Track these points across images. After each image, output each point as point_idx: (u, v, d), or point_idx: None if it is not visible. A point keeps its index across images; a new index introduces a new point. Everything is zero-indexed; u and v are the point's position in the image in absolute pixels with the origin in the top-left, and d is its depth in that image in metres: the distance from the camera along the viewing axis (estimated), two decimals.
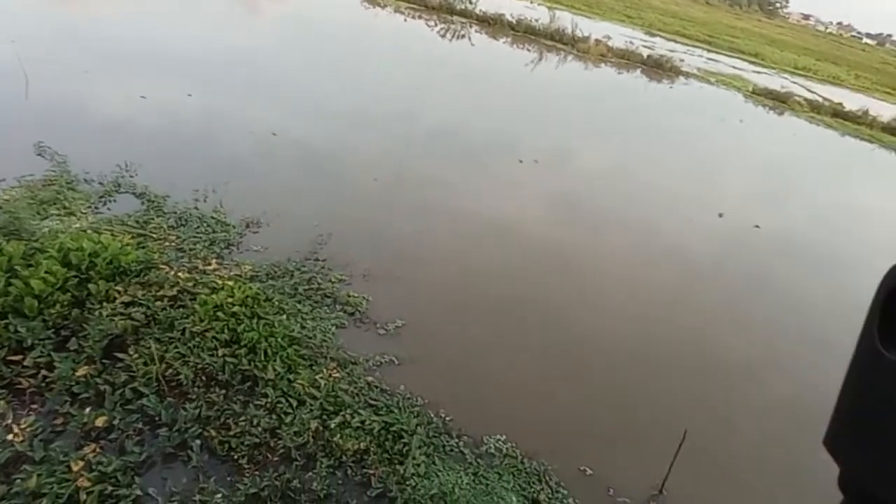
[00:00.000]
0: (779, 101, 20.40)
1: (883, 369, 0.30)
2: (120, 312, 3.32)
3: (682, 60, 21.60)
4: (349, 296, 4.51)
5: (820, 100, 21.75)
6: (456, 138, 9.10)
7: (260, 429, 3.20)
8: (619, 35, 24.23)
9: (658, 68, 20.32)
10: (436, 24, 19.31)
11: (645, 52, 21.03)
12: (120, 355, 3.14)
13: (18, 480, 2.56)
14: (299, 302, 4.25)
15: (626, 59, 20.57)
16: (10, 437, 2.73)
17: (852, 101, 23.16)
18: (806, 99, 21.16)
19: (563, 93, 15.04)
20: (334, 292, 4.51)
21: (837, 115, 20.39)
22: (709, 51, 29.22)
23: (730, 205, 9.26)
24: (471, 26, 20.24)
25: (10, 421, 2.81)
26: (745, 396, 4.87)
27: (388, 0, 20.39)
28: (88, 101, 7.12)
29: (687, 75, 20.79)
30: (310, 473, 3.16)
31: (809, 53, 39.59)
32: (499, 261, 5.84)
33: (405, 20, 19.27)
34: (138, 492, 2.75)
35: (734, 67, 25.68)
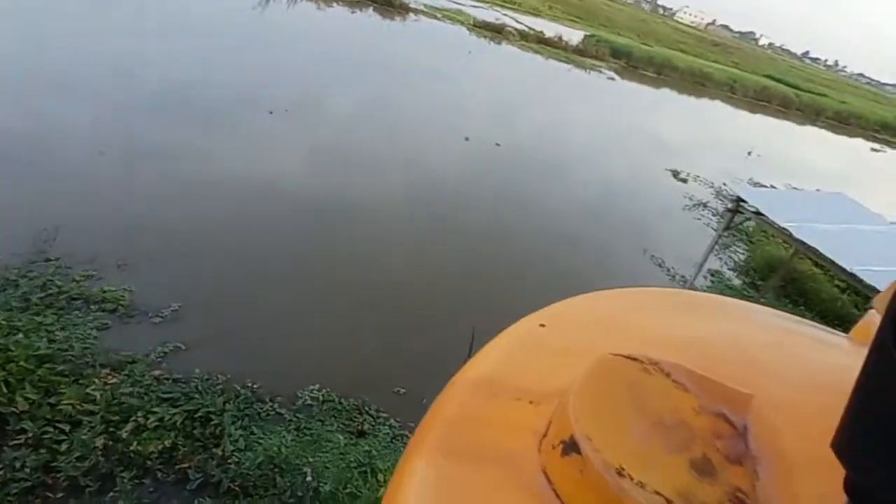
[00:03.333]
0: (496, 31, 22.95)
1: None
2: None
3: None
4: (104, 291, 3.89)
5: (527, 29, 25.10)
6: (192, 95, 8.12)
7: (27, 470, 2.68)
8: None
9: (388, 6, 20.82)
10: None
11: None
12: None
13: None
14: (36, 314, 3.51)
15: None
16: None
17: (550, 28, 27.30)
18: (517, 29, 24.21)
19: (300, 35, 14.45)
20: (83, 292, 3.83)
21: (541, 42, 23.92)
22: None
23: (473, 129, 10.36)
24: None
25: None
26: (511, 287, 5.76)
27: None
28: None
29: (416, 12, 21.78)
30: (110, 495, 2.80)
31: None
32: (268, 222, 5.61)
33: None
34: None
35: (455, 2, 27.74)
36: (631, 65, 26.56)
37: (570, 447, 0.48)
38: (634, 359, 0.55)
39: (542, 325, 0.75)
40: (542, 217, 7.82)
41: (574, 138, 12.78)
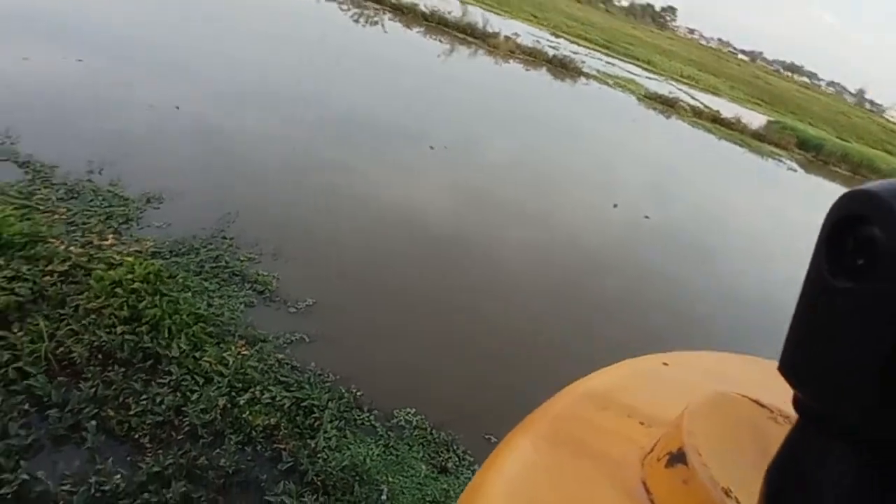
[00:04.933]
0: (667, 105, 22.34)
1: (831, 296, 0.32)
2: (1, 287, 3.06)
3: (583, 62, 22.90)
4: (258, 274, 4.44)
5: (701, 106, 24.08)
6: (366, 124, 9.10)
7: (163, 407, 3.11)
8: (527, 34, 25.16)
9: (562, 68, 21.42)
10: (349, 9, 18.93)
11: (550, 52, 22.09)
12: (1, 333, 2.91)
13: None
14: (205, 280, 4.12)
15: (533, 56, 21.46)
16: None
17: (728, 109, 25.89)
18: (690, 105, 23.34)
19: (475, 84, 15.45)
20: (243, 270, 4.41)
21: (715, 121, 22.73)
22: (607, 55, 31.16)
23: (624, 197, 10.10)
24: (384, 13, 20.07)
25: None
26: None
27: None
28: None
29: (587, 76, 22.11)
30: (217, 450, 3.13)
31: (693, 64, 43.50)
32: (407, 245, 5.98)
33: (317, 2, 18.75)
34: (25, 476, 2.58)
35: (629, 72, 27.66)
36: (820, 158, 23.96)
37: (677, 458, 0.48)
38: (758, 402, 0.54)
39: (665, 364, 0.75)
40: (680, 300, 7.29)
41: (734, 225, 11.80)
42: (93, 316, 3.18)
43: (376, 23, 18.69)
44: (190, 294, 3.78)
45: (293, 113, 8.38)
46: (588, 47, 30.89)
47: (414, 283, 5.38)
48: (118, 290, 3.32)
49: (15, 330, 2.93)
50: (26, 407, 2.80)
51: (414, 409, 3.98)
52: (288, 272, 4.66)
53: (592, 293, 6.57)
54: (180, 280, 3.78)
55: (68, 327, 3.07)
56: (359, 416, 3.78)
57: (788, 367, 0.36)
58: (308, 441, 3.44)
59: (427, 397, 4.13)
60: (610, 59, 29.65)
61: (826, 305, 0.32)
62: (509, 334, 5.19)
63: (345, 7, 19.03)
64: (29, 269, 3.26)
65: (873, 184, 0.31)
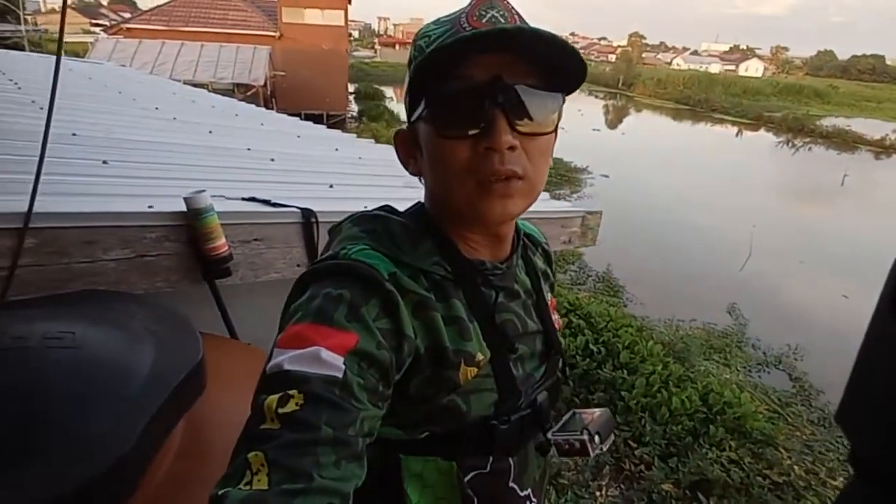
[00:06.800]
0: None
1: (892, 341, 0.29)
2: (721, 463, 3.47)
3: None
4: None
5: None
6: None
7: None
8: None
9: None
10: None
11: None
12: (701, 497, 3.30)
13: None
14: None
15: None
16: (534, 497, 3.42)
17: None
18: None
19: None
20: None
21: None
22: None
23: None
24: None
25: (602, 483, 3.52)
26: None
27: None
28: (790, 291, 7.62)
29: None
30: None
31: None
32: None
33: None
34: None
35: None
36: None
37: None
38: None
39: None
40: None
41: None
42: None
43: None
44: None
45: None
46: None
47: None
48: None
49: (709, 501, 3.25)
50: None
51: None
52: None
53: None
54: None
55: None
56: None
57: (844, 418, 0.33)
58: None
59: None
60: None
61: (892, 354, 0.30)
62: None
63: None
64: (749, 463, 3.52)
65: None
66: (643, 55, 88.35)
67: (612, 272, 7.00)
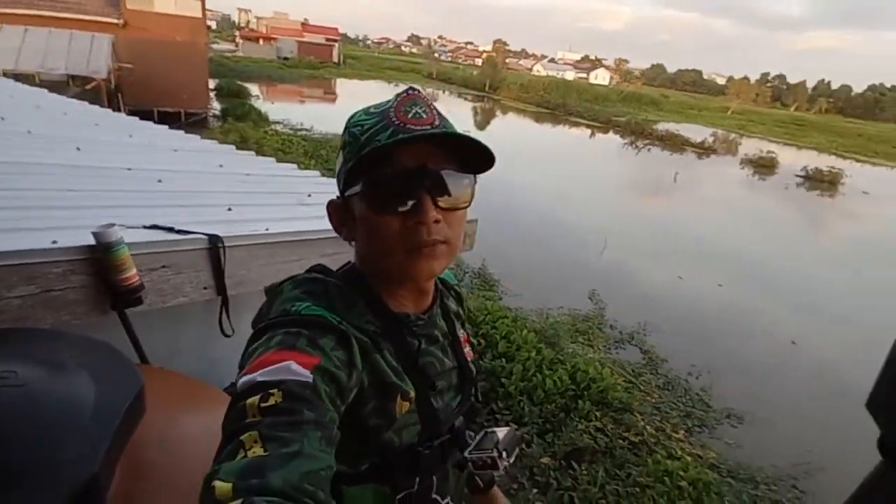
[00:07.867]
0: None
1: None
2: (588, 432, 3.90)
3: None
4: None
5: None
6: None
7: None
8: None
9: None
10: None
11: None
12: (574, 465, 3.68)
13: None
14: None
15: None
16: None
17: None
18: None
19: None
20: None
21: None
22: None
23: None
24: None
25: None
26: None
27: None
28: (639, 276, 8.68)
29: None
30: None
31: None
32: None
33: None
34: None
35: None
36: None
37: None
38: None
39: None
40: None
41: None
42: (637, 489, 3.52)
43: None
44: None
45: None
46: None
47: None
48: (666, 478, 3.54)
49: (581, 467, 3.64)
50: None
51: None
52: None
53: None
54: (727, 501, 3.61)
55: (616, 487, 3.52)
56: None
57: (875, 405, 0.34)
58: None
59: None
60: None
61: None
62: None
63: None
64: (612, 429, 4.00)
65: None
66: (507, 60, 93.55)
67: (487, 268, 7.40)
